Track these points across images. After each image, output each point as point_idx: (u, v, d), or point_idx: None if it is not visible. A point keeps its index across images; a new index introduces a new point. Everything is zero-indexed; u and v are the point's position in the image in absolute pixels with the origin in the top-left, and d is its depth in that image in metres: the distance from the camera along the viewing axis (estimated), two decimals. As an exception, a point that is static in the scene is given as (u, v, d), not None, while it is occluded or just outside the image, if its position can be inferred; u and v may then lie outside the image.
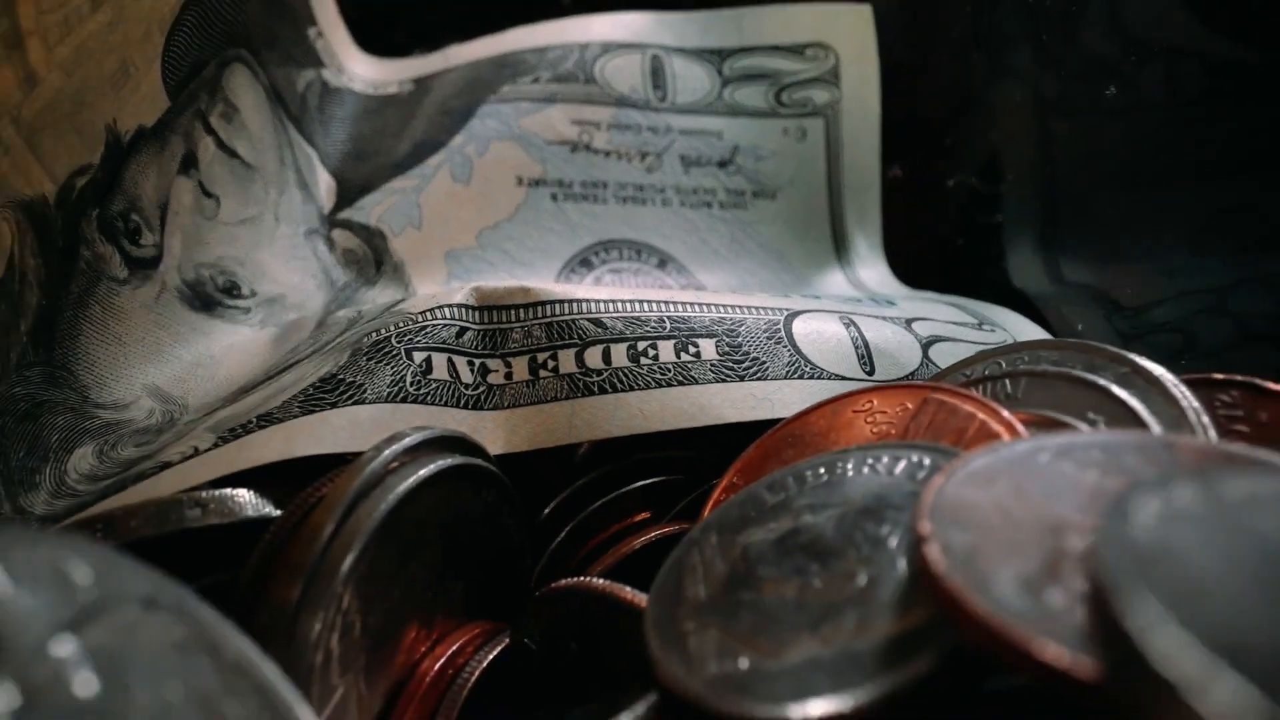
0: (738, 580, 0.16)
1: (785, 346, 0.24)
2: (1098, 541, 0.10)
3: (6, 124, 0.20)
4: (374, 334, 0.22)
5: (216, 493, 0.19)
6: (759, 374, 0.23)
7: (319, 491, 0.18)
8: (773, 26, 0.34)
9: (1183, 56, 0.29)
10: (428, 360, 0.22)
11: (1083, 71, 0.31)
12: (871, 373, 0.24)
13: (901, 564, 0.14)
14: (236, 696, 0.12)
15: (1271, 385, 0.18)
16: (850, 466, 0.17)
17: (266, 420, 0.20)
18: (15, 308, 0.21)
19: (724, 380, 0.23)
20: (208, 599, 0.13)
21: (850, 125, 0.34)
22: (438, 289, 0.29)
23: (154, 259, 0.25)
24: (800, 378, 0.23)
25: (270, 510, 0.19)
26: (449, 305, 0.23)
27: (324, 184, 0.31)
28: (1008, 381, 0.20)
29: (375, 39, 0.34)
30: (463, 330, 0.23)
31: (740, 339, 0.24)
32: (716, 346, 0.24)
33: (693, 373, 0.23)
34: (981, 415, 0.17)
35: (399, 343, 0.22)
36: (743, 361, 0.23)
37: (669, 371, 0.23)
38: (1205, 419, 0.17)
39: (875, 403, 0.19)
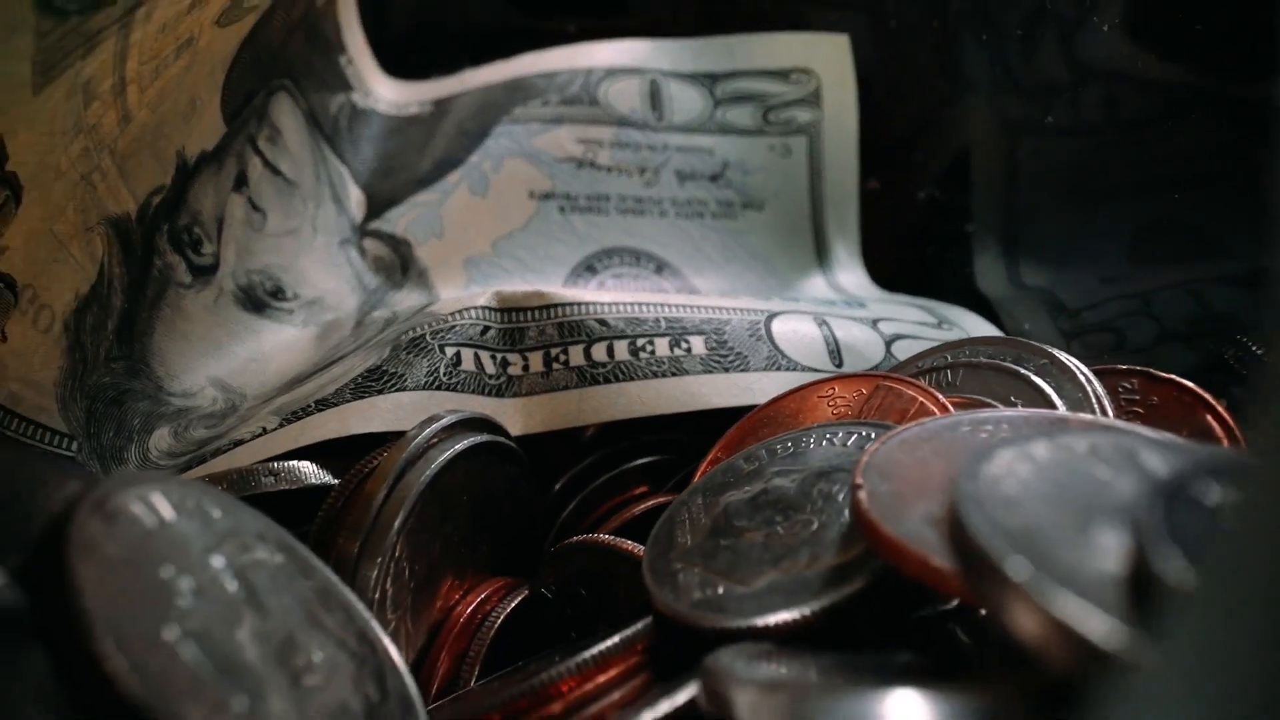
0: (718, 531, 0.20)
1: (765, 343, 0.28)
2: (956, 476, 0.14)
3: (105, 155, 0.24)
4: (411, 332, 0.26)
5: (285, 464, 0.23)
6: (742, 366, 0.27)
7: (372, 462, 0.23)
8: (760, 53, 0.38)
9: (1122, 81, 0.33)
10: (457, 354, 0.26)
11: (1039, 94, 0.35)
12: (840, 365, 0.28)
13: (845, 513, 0.18)
14: (328, 610, 0.17)
15: (1162, 374, 0.22)
16: (812, 440, 0.21)
17: (323, 404, 0.24)
18: (105, 309, 0.26)
19: (711, 372, 0.27)
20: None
21: (831, 142, 0.38)
22: (459, 293, 0.33)
23: (212, 266, 0.29)
24: (777, 370, 0.27)
25: (329, 479, 0.23)
26: (474, 307, 0.27)
27: (355, 198, 0.35)
28: (949, 372, 0.24)
29: (397, 62, 0.38)
30: (486, 329, 0.27)
31: (726, 336, 0.28)
32: (705, 343, 0.28)
33: (684, 365, 0.27)
34: (921, 399, 0.22)
35: (433, 339, 0.26)
36: (728, 356, 0.27)
37: (664, 364, 0.27)
38: (1106, 402, 0.21)
39: (836, 389, 0.23)
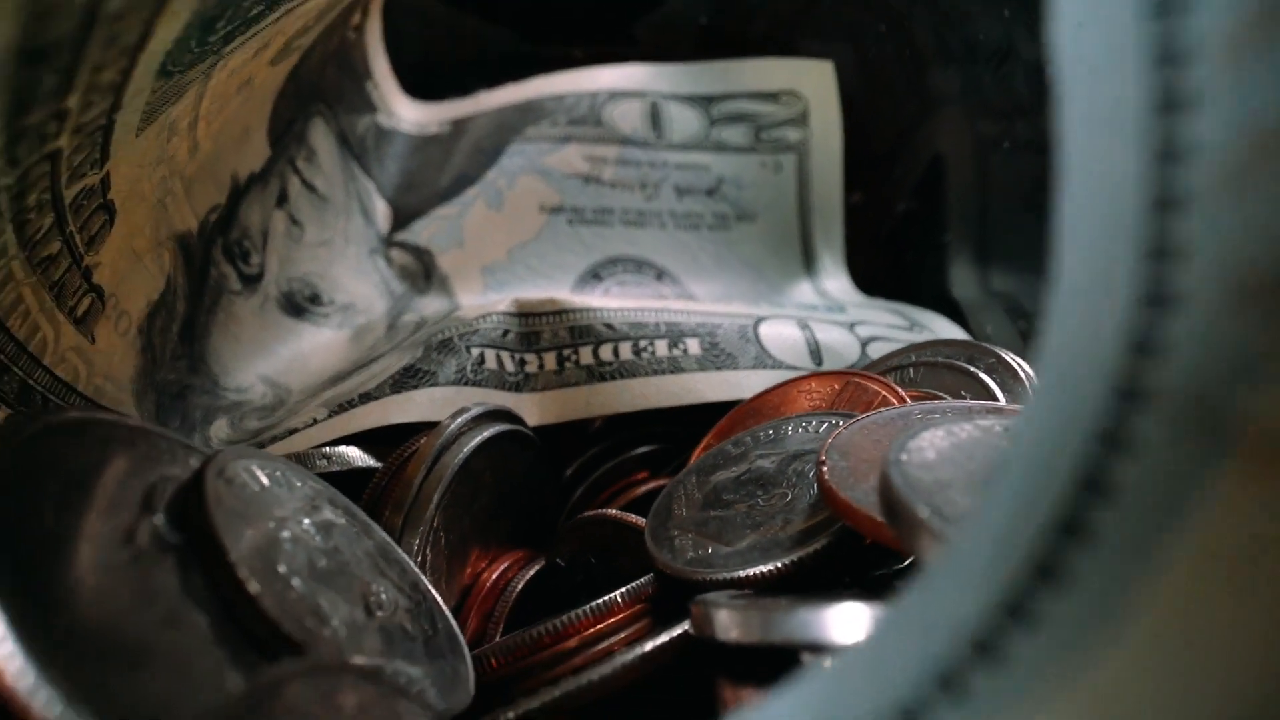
0: (709, 504, 0.24)
1: (753, 344, 0.32)
2: (889, 449, 0.18)
3: (176, 180, 0.28)
4: (441, 334, 0.30)
5: (336, 449, 0.27)
6: (732, 365, 0.31)
7: (411, 448, 0.27)
8: (752, 77, 0.42)
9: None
10: (481, 355, 0.30)
11: (1008, 112, 0.39)
12: (820, 364, 0.32)
13: (814, 486, 0.22)
14: (388, 564, 0.21)
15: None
16: (790, 428, 0.25)
17: (366, 397, 0.28)
18: (170, 314, 0.30)
19: (705, 370, 0.31)
20: (362, 506, 0.22)
21: (817, 159, 0.43)
22: (478, 298, 0.37)
23: (259, 275, 0.34)
24: (764, 368, 0.31)
25: (373, 462, 0.27)
26: (495, 313, 0.31)
27: (381, 211, 0.39)
28: (911, 370, 0.28)
29: (417, 85, 0.42)
30: (506, 332, 0.31)
31: (718, 339, 0.32)
32: (700, 344, 0.32)
33: (681, 364, 0.31)
34: (884, 393, 0.26)
35: (460, 341, 0.30)
36: (720, 356, 0.31)
37: (663, 363, 0.31)
38: (1041, 395, 0.25)
39: (813, 385, 0.28)
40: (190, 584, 0.15)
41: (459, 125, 0.41)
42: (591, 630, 0.21)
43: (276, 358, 0.33)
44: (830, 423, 0.25)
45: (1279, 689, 0.07)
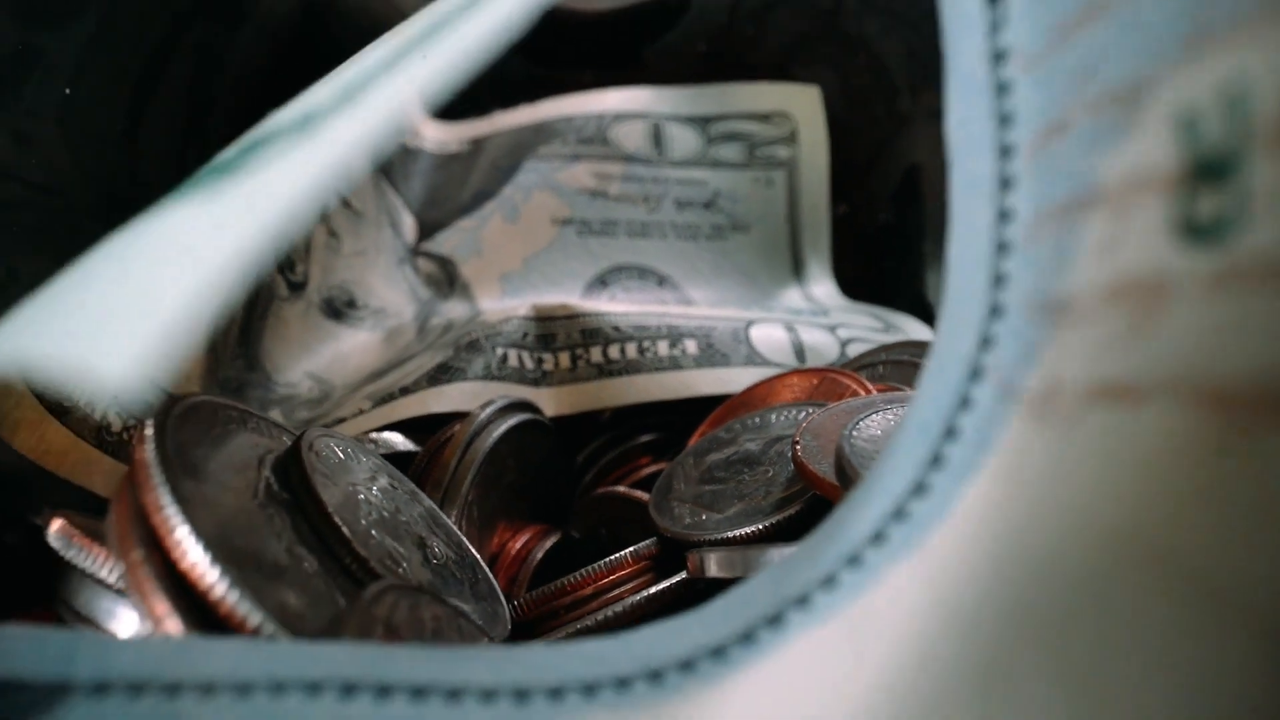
0: (703, 480, 0.29)
1: (744, 345, 0.37)
2: (845, 428, 0.22)
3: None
4: (468, 336, 0.35)
5: (381, 435, 0.32)
6: (725, 363, 0.36)
7: (446, 434, 0.31)
8: (746, 99, 0.47)
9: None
10: (505, 354, 0.35)
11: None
12: (803, 362, 0.37)
13: (791, 464, 0.27)
14: (437, 526, 0.25)
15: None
16: (774, 416, 0.30)
17: (405, 391, 0.33)
18: (230, 318, 0.34)
19: (701, 367, 0.36)
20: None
21: (805, 174, 0.47)
22: (496, 303, 0.42)
23: (303, 283, 0.38)
24: (753, 366, 0.36)
25: (413, 446, 0.32)
26: (516, 317, 0.36)
27: (408, 224, 0.44)
28: (881, 367, 0.33)
29: (439, 107, 0.47)
30: (526, 334, 0.36)
31: (713, 339, 0.37)
32: (697, 344, 0.37)
33: (680, 362, 0.36)
34: (854, 386, 0.30)
35: (485, 342, 0.35)
36: (714, 355, 0.36)
37: (664, 361, 0.36)
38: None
39: (794, 380, 0.32)
40: (299, 528, 0.20)
41: (478, 144, 0.46)
42: (605, 580, 0.26)
43: (320, 356, 0.37)
44: (807, 411, 0.29)
45: (1040, 568, 0.12)
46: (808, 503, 0.25)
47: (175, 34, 0.39)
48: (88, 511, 0.22)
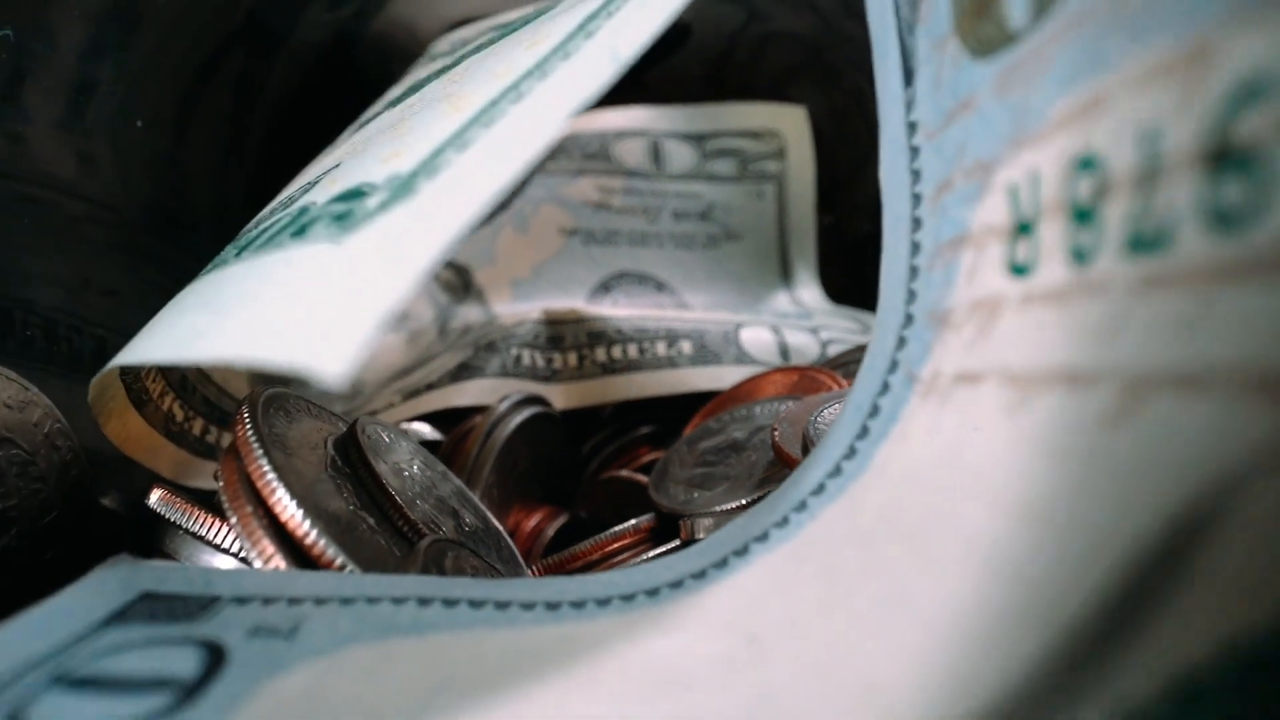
0: (697, 464, 0.34)
1: (734, 345, 0.42)
2: (812, 415, 0.27)
3: (285, 218, 0.37)
4: (486, 338, 0.40)
5: (411, 424, 0.37)
6: (716, 362, 0.41)
7: (468, 425, 0.36)
8: (739, 118, 0.52)
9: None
10: (519, 354, 0.40)
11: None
12: (787, 361, 0.41)
13: (771, 450, 0.32)
14: (466, 501, 0.30)
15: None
16: (758, 409, 0.35)
17: (431, 387, 0.38)
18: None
19: (695, 366, 0.41)
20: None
21: (793, 188, 0.52)
22: (507, 307, 0.46)
23: (334, 289, 0.43)
24: (742, 364, 0.41)
25: (439, 435, 0.37)
26: (528, 321, 0.41)
27: (426, 234, 0.49)
28: (854, 365, 0.38)
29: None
30: (538, 335, 0.41)
31: (706, 340, 0.42)
32: (692, 345, 0.41)
33: (676, 361, 0.41)
34: (829, 382, 0.35)
35: (501, 343, 0.40)
36: (707, 354, 0.41)
37: (662, 360, 0.41)
38: (949, 383, 0.35)
39: (778, 377, 0.37)
40: (360, 495, 0.25)
41: (489, 160, 0.51)
42: (610, 548, 0.31)
43: (350, 356, 0.42)
44: (786, 404, 0.34)
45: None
46: (782, 480, 0.30)
47: (214, 63, 0.44)
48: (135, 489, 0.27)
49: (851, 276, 0.53)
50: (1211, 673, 0.08)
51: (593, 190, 0.50)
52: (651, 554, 0.29)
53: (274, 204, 0.24)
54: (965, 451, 0.14)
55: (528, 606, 0.17)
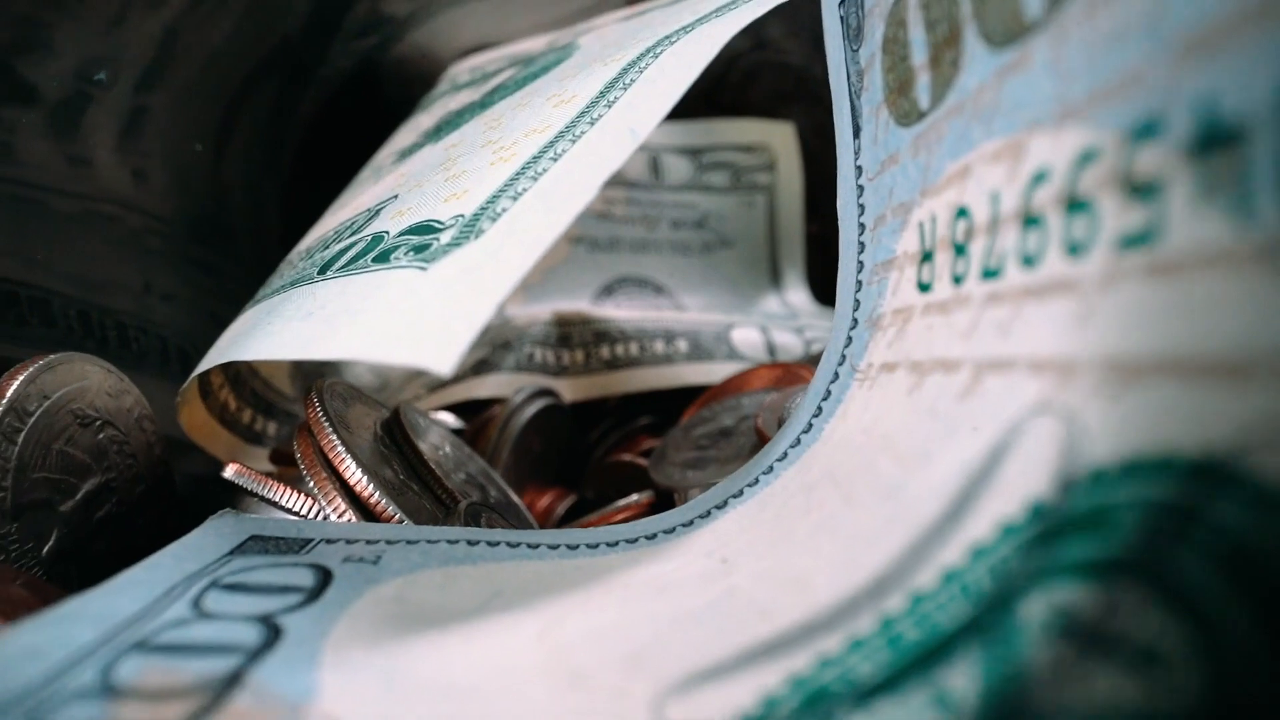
0: (691, 448, 0.39)
1: (725, 344, 0.47)
2: (788, 402, 0.33)
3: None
4: (502, 337, 0.45)
5: (436, 413, 0.42)
6: (709, 359, 0.46)
7: (488, 414, 0.42)
8: (732, 133, 0.58)
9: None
10: (531, 351, 0.45)
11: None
12: (773, 358, 0.47)
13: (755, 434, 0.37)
14: (489, 478, 0.36)
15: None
16: (745, 400, 0.41)
17: (454, 380, 0.43)
18: (311, 322, 0.45)
19: (690, 362, 0.46)
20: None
21: (783, 198, 0.58)
22: (521, 309, 0.52)
23: (362, 293, 0.49)
24: (732, 361, 0.46)
25: (462, 424, 0.43)
26: (540, 322, 0.46)
27: (444, 241, 0.54)
28: (832, 361, 0.43)
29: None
30: (548, 335, 0.46)
31: (700, 339, 0.47)
32: (687, 343, 0.47)
33: (673, 358, 0.46)
34: (808, 376, 0.41)
35: (516, 342, 0.45)
36: (701, 352, 0.46)
37: (660, 358, 0.46)
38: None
39: (763, 372, 0.43)
40: (404, 469, 0.30)
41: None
42: (615, 519, 0.36)
43: (377, 353, 0.48)
44: (770, 395, 0.40)
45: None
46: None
47: (251, 88, 0.50)
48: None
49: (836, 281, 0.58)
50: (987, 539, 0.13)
51: (597, 201, 0.56)
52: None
53: (337, 227, 0.29)
54: (881, 421, 0.20)
55: (553, 547, 0.23)
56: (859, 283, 0.24)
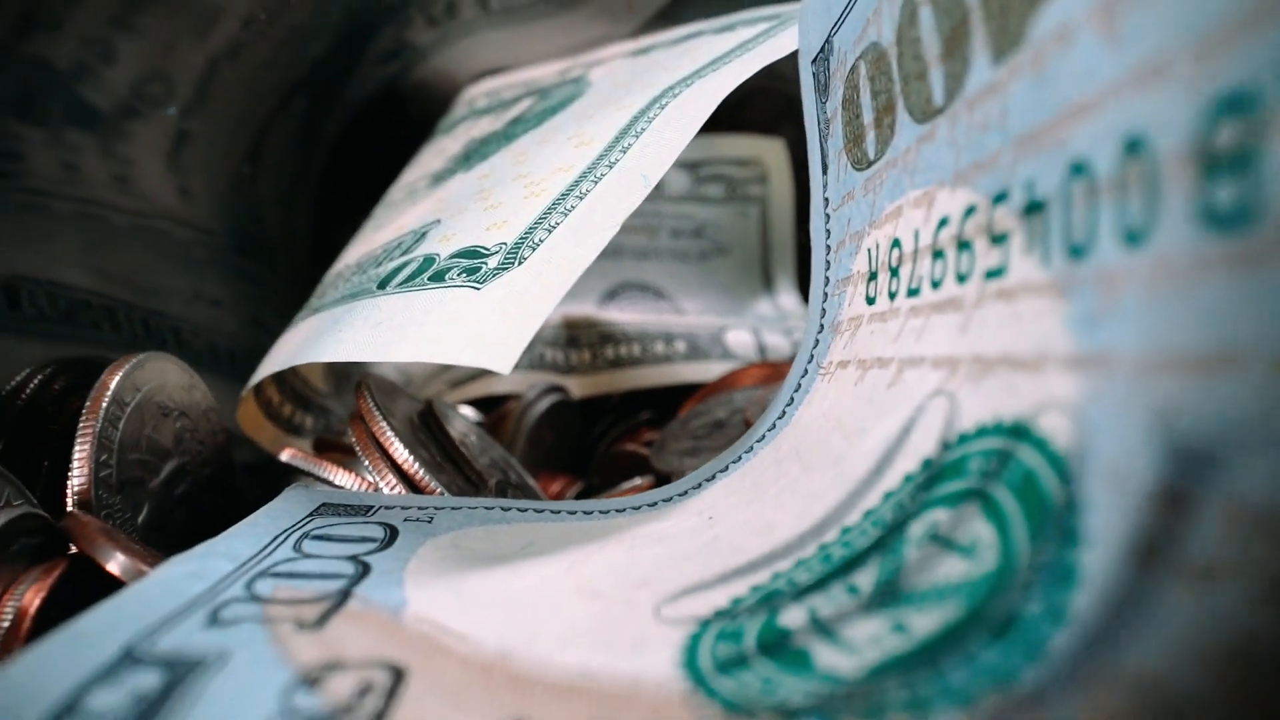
0: (688, 439, 0.45)
1: (720, 345, 0.53)
2: (771, 398, 0.38)
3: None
4: (516, 338, 0.51)
5: (458, 408, 0.48)
6: (705, 358, 0.52)
7: (505, 408, 0.47)
8: (727, 148, 0.63)
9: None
10: (543, 352, 0.51)
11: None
12: (764, 358, 0.53)
13: (744, 426, 0.43)
14: (510, 463, 0.41)
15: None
16: (737, 396, 0.46)
17: (473, 377, 0.49)
18: (342, 325, 0.50)
19: (688, 362, 0.52)
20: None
21: (775, 209, 0.64)
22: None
23: (386, 298, 0.54)
24: (725, 360, 0.52)
25: (481, 416, 0.48)
26: (550, 325, 0.52)
27: (459, 249, 0.60)
28: (816, 361, 0.49)
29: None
30: (558, 336, 0.52)
31: (697, 341, 0.53)
32: (685, 344, 0.53)
33: (672, 358, 0.52)
34: (794, 374, 0.47)
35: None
36: (698, 352, 0.52)
37: (660, 357, 0.52)
38: (889, 376, 0.46)
39: (754, 371, 0.48)
40: (441, 452, 0.36)
41: (512, 184, 0.62)
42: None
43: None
44: (759, 391, 0.45)
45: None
46: (754, 449, 0.41)
47: (283, 110, 0.55)
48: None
49: (825, 285, 0.64)
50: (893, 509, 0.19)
51: (601, 211, 0.61)
52: (651, 503, 0.41)
53: (385, 244, 0.35)
54: (835, 407, 0.25)
55: (572, 513, 0.29)
56: (825, 294, 0.30)
